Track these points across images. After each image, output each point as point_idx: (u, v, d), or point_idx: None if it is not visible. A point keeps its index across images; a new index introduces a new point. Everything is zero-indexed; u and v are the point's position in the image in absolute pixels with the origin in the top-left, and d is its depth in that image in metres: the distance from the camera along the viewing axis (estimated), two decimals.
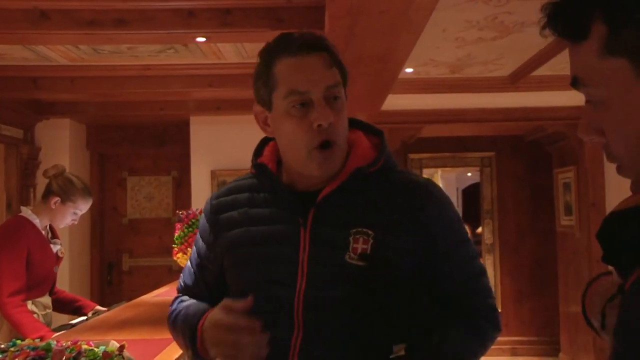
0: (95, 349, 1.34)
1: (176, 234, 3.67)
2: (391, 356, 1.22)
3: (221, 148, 5.58)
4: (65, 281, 5.40)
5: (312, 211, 1.28)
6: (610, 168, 5.25)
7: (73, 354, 1.28)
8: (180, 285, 1.47)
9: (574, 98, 5.19)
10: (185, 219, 3.65)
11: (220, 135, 5.51)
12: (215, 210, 1.40)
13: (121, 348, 1.36)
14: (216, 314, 1.23)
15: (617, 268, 0.81)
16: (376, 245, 1.24)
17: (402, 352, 1.22)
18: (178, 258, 3.64)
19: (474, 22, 3.53)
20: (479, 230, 7.23)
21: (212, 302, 1.32)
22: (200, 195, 5.63)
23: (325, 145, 1.26)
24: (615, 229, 0.77)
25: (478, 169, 6.97)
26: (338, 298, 1.23)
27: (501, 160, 6.85)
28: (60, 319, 3.52)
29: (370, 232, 1.25)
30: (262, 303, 1.24)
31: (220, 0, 3.19)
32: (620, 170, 0.79)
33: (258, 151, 1.40)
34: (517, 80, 4.84)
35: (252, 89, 1.34)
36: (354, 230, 1.25)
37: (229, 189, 1.42)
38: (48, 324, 3.05)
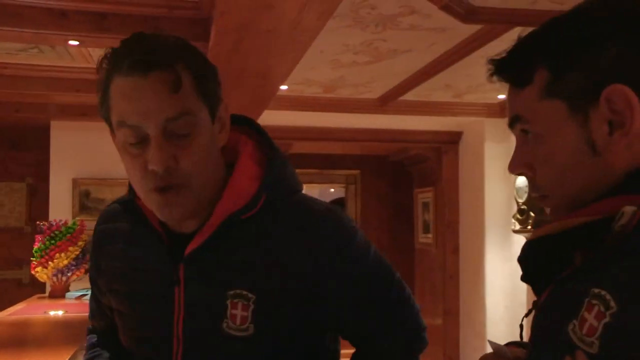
0: None
1: (36, 247, 3.43)
2: None
3: (85, 156, 5.29)
4: None
5: (181, 266, 1.05)
6: (464, 190, 5.64)
7: None
8: (89, 322, 1.31)
9: (436, 123, 5.54)
10: (47, 231, 3.42)
11: (84, 142, 5.23)
12: (99, 238, 1.20)
13: None
14: None
15: (533, 287, 0.90)
16: (258, 312, 1.02)
17: None
18: (37, 272, 3.39)
19: (350, 46, 3.66)
20: None
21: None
22: (60, 204, 5.29)
23: (164, 189, 0.98)
24: (532, 254, 0.87)
25: (343, 185, 7.20)
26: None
27: (365, 179, 7.13)
28: None
29: (250, 295, 1.02)
30: None
31: (95, 4, 3.05)
32: (543, 200, 0.89)
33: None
34: (386, 103, 5.07)
35: None
36: (231, 293, 1.02)
37: (113, 215, 1.19)
38: None
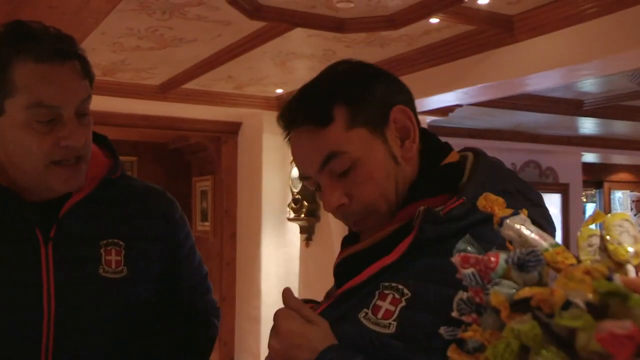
0: None
1: None
2: None
3: None
4: None
5: (54, 225, 1.18)
6: (242, 179, 5.82)
7: None
8: None
9: (216, 113, 5.64)
10: None
11: None
12: None
13: None
14: None
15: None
16: (129, 255, 1.22)
17: None
18: None
19: (135, 30, 3.58)
20: None
21: None
22: None
23: (71, 161, 1.16)
24: (345, 268, 1.02)
25: None
26: (96, 316, 1.19)
27: (142, 166, 6.97)
28: None
29: (121, 242, 1.23)
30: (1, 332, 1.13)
31: None
32: (370, 217, 1.00)
33: None
34: (167, 90, 5.03)
35: None
36: (104, 242, 1.21)
37: None
38: None
